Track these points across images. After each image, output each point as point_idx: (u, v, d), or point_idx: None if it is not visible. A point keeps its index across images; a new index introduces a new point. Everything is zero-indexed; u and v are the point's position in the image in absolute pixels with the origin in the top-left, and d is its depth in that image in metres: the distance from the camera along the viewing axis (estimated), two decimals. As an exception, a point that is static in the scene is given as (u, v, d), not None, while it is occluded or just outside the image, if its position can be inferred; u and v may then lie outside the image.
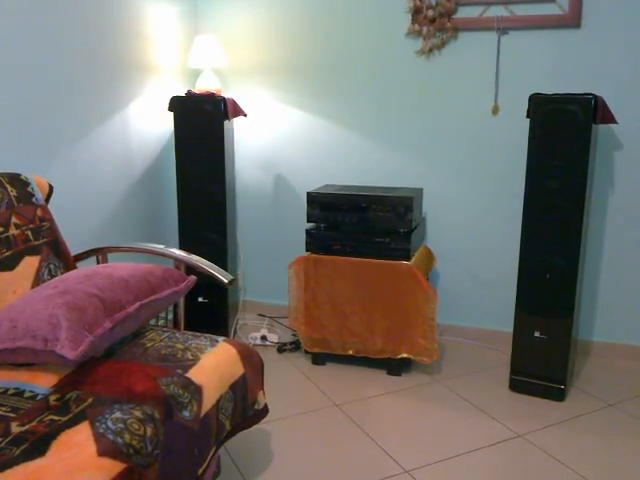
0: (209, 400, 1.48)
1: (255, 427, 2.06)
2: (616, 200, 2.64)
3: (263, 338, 2.89)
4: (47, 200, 1.93)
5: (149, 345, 1.60)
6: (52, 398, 1.32)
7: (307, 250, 2.59)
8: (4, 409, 1.26)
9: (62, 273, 1.80)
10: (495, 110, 2.72)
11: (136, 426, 1.25)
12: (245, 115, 2.85)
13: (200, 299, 2.83)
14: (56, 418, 1.23)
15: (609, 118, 2.30)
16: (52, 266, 1.78)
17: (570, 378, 2.43)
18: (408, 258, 2.45)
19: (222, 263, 2.77)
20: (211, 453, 1.50)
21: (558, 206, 2.22)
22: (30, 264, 1.71)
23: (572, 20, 2.52)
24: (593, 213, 2.66)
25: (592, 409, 2.28)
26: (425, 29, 2.73)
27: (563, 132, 2.16)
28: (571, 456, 1.97)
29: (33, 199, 1.83)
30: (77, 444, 1.16)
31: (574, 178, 2.17)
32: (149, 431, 1.27)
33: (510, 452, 2.00)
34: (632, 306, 2.69)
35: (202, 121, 2.67)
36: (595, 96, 2.12)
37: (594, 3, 2.50)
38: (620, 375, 2.57)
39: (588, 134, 2.13)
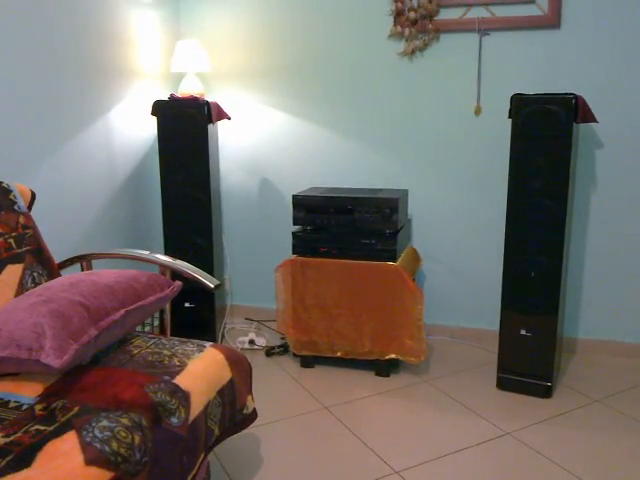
0: (197, 406, 1.48)
1: (244, 432, 2.05)
2: (598, 198, 2.67)
3: (251, 342, 2.89)
4: (29, 207, 1.91)
5: (135, 352, 1.59)
6: (38, 408, 1.30)
7: (294, 253, 2.59)
8: (-12, 420, 1.25)
9: (46, 281, 1.78)
10: (477, 111, 2.74)
11: (123, 434, 1.24)
12: (229, 118, 2.84)
13: (186, 304, 2.81)
14: (42, 428, 1.22)
15: (590, 117, 2.33)
16: (36, 274, 1.76)
17: (556, 375, 2.46)
18: (394, 259, 2.46)
19: (208, 268, 2.76)
20: (200, 459, 1.49)
21: (541, 205, 2.24)
22: (13, 272, 1.68)
23: (552, 21, 2.55)
24: (576, 211, 2.69)
25: (579, 405, 2.30)
26: (407, 31, 2.74)
27: (545, 132, 2.18)
28: (559, 452, 1.99)
29: (15, 207, 1.81)
30: (64, 454, 1.14)
31: (556, 177, 2.20)
32: (137, 439, 1.26)
33: (499, 450, 2.01)
34: (616, 303, 2.72)
35: (186, 125, 2.66)
36: (576, 96, 2.15)
37: (573, 4, 2.54)
38: (605, 371, 2.60)
39: (569, 133, 2.15)
